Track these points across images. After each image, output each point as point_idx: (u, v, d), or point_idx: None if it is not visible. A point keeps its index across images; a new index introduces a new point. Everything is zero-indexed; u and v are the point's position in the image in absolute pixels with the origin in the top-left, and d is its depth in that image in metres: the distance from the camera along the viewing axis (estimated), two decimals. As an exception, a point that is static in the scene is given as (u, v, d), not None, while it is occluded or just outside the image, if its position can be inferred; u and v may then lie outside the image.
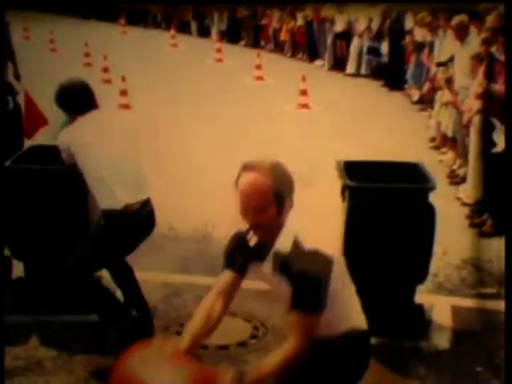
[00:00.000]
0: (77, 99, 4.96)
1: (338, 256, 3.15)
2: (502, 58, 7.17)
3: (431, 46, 12.39)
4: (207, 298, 3.25)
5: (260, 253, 3.18)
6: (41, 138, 7.45)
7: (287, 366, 2.99)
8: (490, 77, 7.28)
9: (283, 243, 3.12)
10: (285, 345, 3.03)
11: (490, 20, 8.65)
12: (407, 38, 14.48)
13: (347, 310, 3.24)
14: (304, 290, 3.00)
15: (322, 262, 3.01)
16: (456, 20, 9.50)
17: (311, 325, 3.03)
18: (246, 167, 3.17)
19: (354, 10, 18.21)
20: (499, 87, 7.08)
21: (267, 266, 3.18)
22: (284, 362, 2.99)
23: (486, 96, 7.32)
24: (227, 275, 3.28)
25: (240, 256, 3.26)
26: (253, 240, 3.18)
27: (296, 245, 3.07)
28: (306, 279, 2.98)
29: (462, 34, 9.33)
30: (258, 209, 3.04)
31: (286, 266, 3.08)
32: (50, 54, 21.60)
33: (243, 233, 3.24)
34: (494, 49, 7.82)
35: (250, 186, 3.06)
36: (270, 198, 3.04)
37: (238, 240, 3.27)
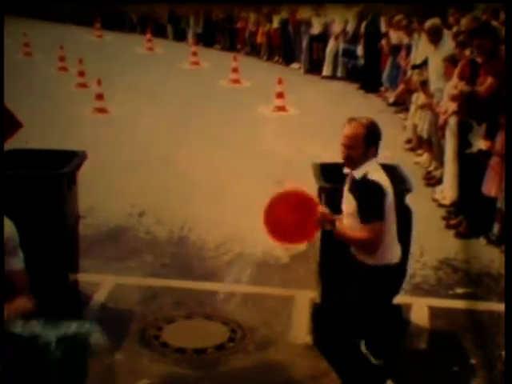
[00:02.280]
0: None
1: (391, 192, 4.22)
2: (478, 59, 7.22)
3: (408, 48, 12.43)
4: None
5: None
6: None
7: (351, 241, 4.26)
8: (472, 79, 7.32)
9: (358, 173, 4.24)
10: (360, 234, 4.16)
11: (464, 23, 8.72)
12: (383, 41, 14.54)
13: (394, 242, 4.33)
14: (363, 206, 4.15)
15: (377, 187, 4.16)
16: (429, 23, 9.54)
17: (376, 229, 4.12)
18: (349, 120, 4.33)
19: (331, 12, 18.24)
20: (476, 88, 7.13)
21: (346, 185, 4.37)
22: (352, 238, 4.23)
23: (462, 97, 7.36)
24: None
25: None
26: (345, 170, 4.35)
27: (364, 176, 4.21)
28: (363, 197, 4.16)
29: (435, 37, 9.36)
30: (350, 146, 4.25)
31: (355, 187, 4.23)
32: (25, 57, 21.45)
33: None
34: (467, 51, 7.88)
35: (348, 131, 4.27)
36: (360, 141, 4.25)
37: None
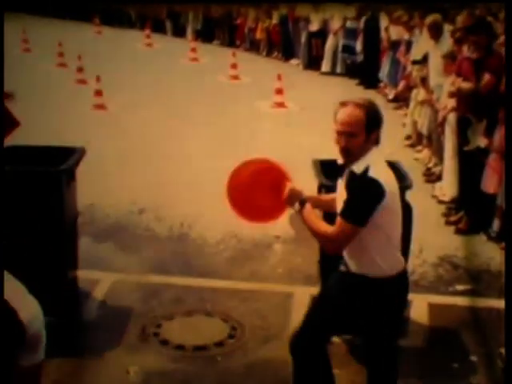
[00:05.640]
0: None
1: (395, 192, 3.70)
2: (474, 56, 7.21)
3: (408, 44, 12.42)
4: None
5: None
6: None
7: (313, 229, 3.74)
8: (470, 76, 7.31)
9: (358, 167, 3.66)
10: (327, 227, 3.70)
11: (460, 20, 8.73)
12: (383, 36, 14.50)
13: (394, 252, 3.80)
14: (350, 204, 3.60)
15: (376, 188, 3.57)
16: (430, 19, 9.55)
17: (347, 231, 3.60)
18: (343, 103, 3.77)
19: (330, 8, 18.22)
20: (470, 85, 7.12)
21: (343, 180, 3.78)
22: (317, 226, 3.75)
23: (460, 94, 7.35)
24: None
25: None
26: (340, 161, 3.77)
27: (365, 171, 3.63)
28: (355, 195, 3.60)
29: (435, 32, 9.37)
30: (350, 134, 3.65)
31: (351, 182, 3.68)
32: (24, 54, 21.42)
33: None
34: (465, 48, 7.87)
35: (345, 115, 3.68)
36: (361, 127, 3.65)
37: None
